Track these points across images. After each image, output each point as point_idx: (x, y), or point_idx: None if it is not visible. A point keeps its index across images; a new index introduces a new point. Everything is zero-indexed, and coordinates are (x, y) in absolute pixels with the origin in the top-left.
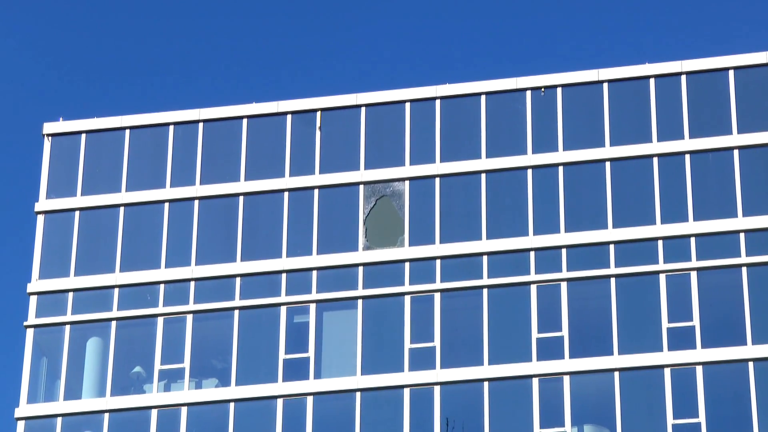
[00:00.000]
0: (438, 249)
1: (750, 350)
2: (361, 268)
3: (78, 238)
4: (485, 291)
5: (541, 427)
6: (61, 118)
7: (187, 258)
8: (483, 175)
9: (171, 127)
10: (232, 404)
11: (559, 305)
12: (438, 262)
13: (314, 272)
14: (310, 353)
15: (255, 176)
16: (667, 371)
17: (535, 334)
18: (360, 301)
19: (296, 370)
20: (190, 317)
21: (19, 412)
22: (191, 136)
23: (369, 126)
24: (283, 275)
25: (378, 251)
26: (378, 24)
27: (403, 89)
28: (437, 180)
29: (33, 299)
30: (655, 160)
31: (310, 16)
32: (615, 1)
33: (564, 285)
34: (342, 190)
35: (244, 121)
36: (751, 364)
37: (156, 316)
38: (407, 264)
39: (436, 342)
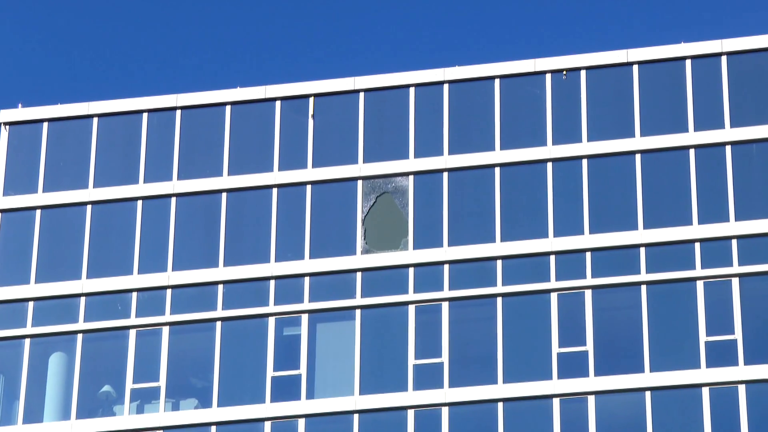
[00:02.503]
0: (446, 252)
1: None
2: (359, 274)
3: (39, 240)
4: (499, 300)
5: None
6: (20, 105)
7: (162, 263)
8: (497, 170)
9: (145, 115)
10: (213, 428)
11: (582, 316)
12: (446, 267)
13: (306, 279)
14: (302, 370)
15: (240, 170)
16: (705, 391)
17: (555, 349)
18: (358, 311)
19: (286, 390)
20: (166, 329)
21: None
22: (167, 125)
23: (368, 114)
24: (272, 282)
25: (378, 255)
26: None
27: (406, 72)
28: (445, 175)
29: None
30: (692, 152)
31: None
32: None
33: (588, 293)
34: (338, 186)
35: (228, 108)
36: None
37: (127, 328)
38: (411, 269)
39: (444, 357)
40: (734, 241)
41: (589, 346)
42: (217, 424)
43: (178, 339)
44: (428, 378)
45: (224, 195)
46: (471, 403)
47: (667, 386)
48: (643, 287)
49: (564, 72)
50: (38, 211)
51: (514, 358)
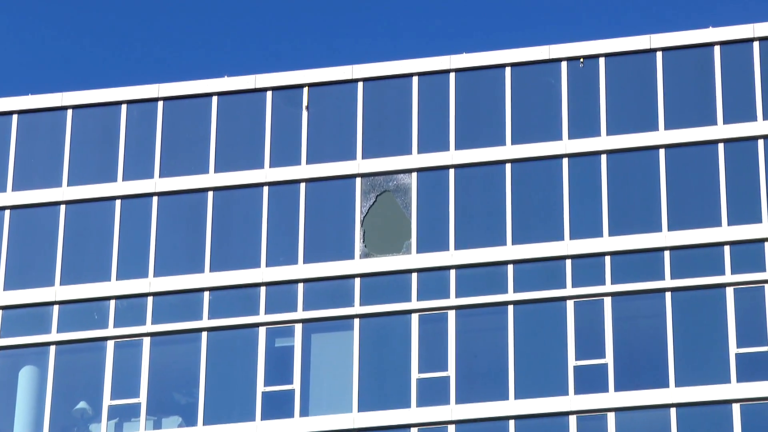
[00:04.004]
0: (452, 257)
1: None
2: (357, 280)
3: (8, 243)
4: (510, 308)
5: None
6: None
7: (143, 268)
8: (508, 166)
9: (124, 107)
10: None
11: (601, 326)
12: (452, 272)
13: (300, 285)
14: (296, 385)
15: (227, 167)
16: (735, 407)
17: (572, 362)
18: (356, 321)
19: (278, 406)
20: (146, 341)
21: None
22: (149, 117)
23: (368, 105)
24: (262, 289)
25: (379, 259)
26: None
27: (409, 60)
28: (451, 172)
29: None
30: (721, 146)
31: None
32: None
33: (608, 301)
34: (334, 184)
35: (214, 99)
36: None
37: (105, 339)
38: (414, 275)
39: (450, 371)
40: (767, 244)
41: (609, 359)
42: None
43: (160, 351)
44: (433, 393)
45: (210, 194)
46: (479, 420)
47: (694, 402)
48: (668, 294)
49: (581, 59)
50: (7, 212)
51: (526, 371)
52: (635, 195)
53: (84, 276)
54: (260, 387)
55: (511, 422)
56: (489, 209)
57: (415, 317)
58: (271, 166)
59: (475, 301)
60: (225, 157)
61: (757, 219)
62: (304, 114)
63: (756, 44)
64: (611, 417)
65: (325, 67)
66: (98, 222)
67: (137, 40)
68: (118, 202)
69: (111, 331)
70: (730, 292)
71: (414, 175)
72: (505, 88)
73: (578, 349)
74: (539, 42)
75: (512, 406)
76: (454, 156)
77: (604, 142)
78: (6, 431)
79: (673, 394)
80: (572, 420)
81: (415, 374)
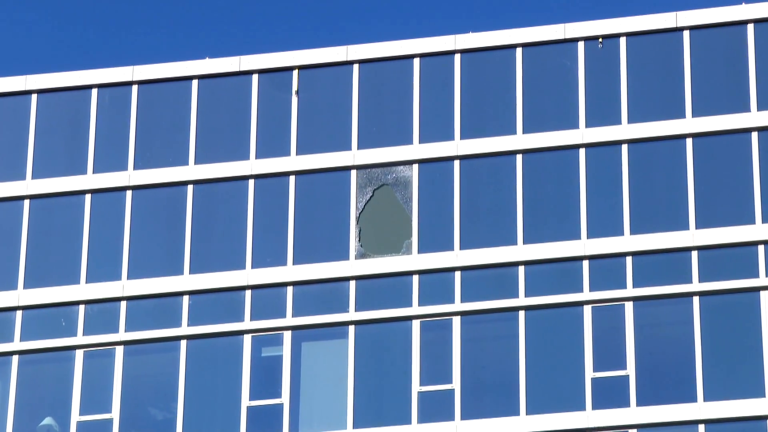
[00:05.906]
0: (458, 257)
1: None
2: (352, 283)
3: None
4: (522, 314)
5: None
6: None
7: (116, 269)
8: (519, 157)
9: (94, 91)
10: None
11: (622, 333)
12: (457, 274)
13: (289, 288)
14: (284, 399)
15: (209, 158)
16: None
17: (589, 373)
18: (351, 328)
19: (265, 422)
20: (119, 350)
21: None
22: (122, 102)
23: (364, 90)
24: (248, 293)
25: (376, 260)
26: None
27: (409, 40)
28: (456, 163)
29: None
30: (754, 135)
31: None
32: None
33: (629, 306)
34: (327, 176)
35: (194, 82)
36: None
37: (73, 348)
38: (416, 277)
39: (455, 383)
40: None
41: (630, 370)
42: None
43: (135, 361)
44: (436, 408)
45: (190, 188)
46: None
47: (724, 418)
48: (696, 299)
49: (600, 39)
50: None
51: (539, 384)
52: (659, 189)
53: (50, 278)
54: (245, 401)
55: None
56: (498, 205)
57: (416, 324)
58: (257, 157)
59: (482, 307)
60: (206, 147)
61: None
62: (294, 99)
63: None
64: None
65: (316, 47)
66: (66, 219)
67: (109, 18)
68: (87, 197)
69: (80, 339)
70: (764, 296)
71: (415, 167)
72: (515, 71)
73: (596, 359)
74: (554, 20)
75: (523, 422)
76: (459, 146)
77: (625, 130)
78: None
79: (701, 409)
80: None
81: (416, 387)
